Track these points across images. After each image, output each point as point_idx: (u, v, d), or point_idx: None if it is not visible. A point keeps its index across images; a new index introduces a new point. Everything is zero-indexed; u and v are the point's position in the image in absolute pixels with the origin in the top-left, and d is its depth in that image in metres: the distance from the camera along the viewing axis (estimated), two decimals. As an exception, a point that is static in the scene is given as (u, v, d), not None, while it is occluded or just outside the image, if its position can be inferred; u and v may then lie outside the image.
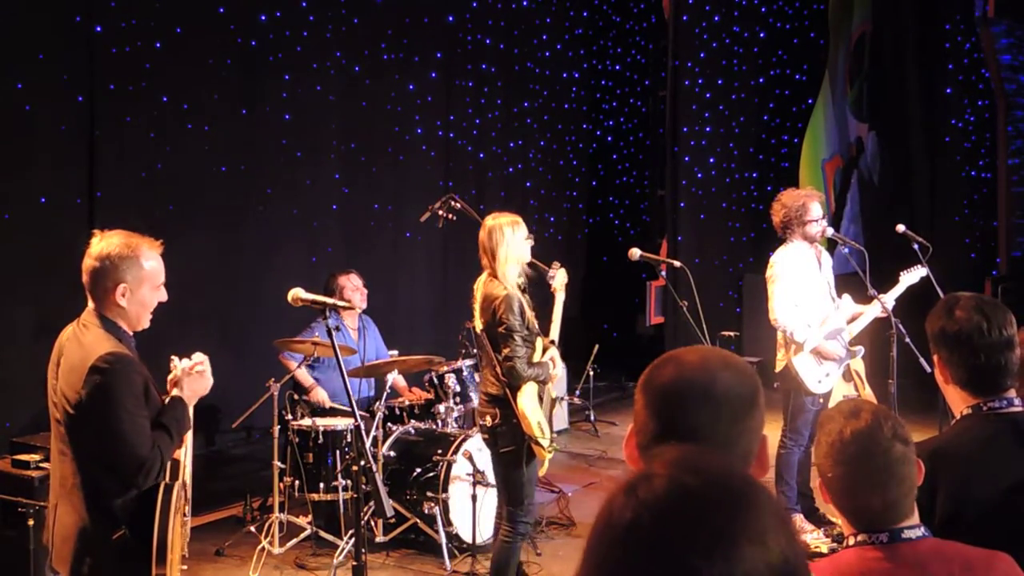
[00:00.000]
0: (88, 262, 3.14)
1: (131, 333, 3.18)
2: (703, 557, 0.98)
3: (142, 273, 3.13)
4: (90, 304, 3.17)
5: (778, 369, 5.86)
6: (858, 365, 5.95)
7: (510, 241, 4.62)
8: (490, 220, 4.72)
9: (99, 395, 2.99)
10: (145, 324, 3.21)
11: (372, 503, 4.60)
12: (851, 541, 2.05)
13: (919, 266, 5.88)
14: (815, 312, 5.77)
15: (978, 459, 2.45)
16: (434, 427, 5.97)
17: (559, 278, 5.04)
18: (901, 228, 5.95)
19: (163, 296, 3.22)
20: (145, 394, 3.07)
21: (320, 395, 6.16)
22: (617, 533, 1.02)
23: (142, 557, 3.05)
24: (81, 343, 3.09)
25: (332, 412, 6.08)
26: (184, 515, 3.31)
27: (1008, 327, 2.51)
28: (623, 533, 1.02)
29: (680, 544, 0.99)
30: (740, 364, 1.58)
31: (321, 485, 5.64)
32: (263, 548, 5.43)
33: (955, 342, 2.51)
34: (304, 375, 6.20)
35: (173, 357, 3.36)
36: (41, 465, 4.70)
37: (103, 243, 3.13)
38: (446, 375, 6.03)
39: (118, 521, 3.05)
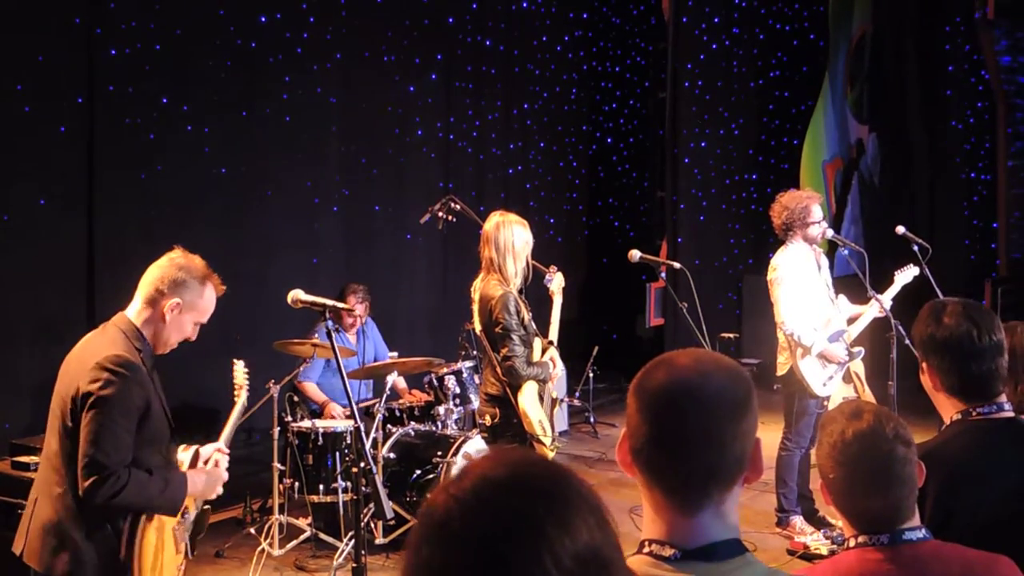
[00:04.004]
0: (164, 265, 3.14)
1: (153, 349, 3.16)
2: (506, 541, 1.03)
3: (199, 301, 3.18)
4: (129, 309, 3.15)
5: (781, 372, 5.84)
6: (858, 367, 5.94)
7: (518, 237, 4.65)
8: (498, 216, 4.73)
9: (92, 389, 2.94)
10: (167, 350, 3.21)
11: (372, 505, 4.59)
12: (852, 543, 2.05)
13: (912, 265, 5.91)
14: (817, 314, 5.77)
15: (967, 464, 2.44)
16: (434, 429, 5.96)
17: (556, 282, 5.08)
18: (901, 230, 5.96)
19: (194, 335, 3.24)
20: (146, 411, 3.03)
21: (336, 410, 6.15)
22: (433, 530, 1.07)
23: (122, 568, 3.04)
24: (94, 340, 3.09)
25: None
26: (186, 555, 3.30)
27: (997, 332, 2.50)
28: (437, 529, 1.07)
29: (487, 534, 1.05)
30: (733, 367, 1.55)
31: (321, 487, 5.64)
32: (263, 550, 5.42)
33: (945, 349, 2.50)
34: (316, 391, 6.22)
35: (236, 362, 3.31)
36: (41, 466, 4.70)
37: (185, 259, 3.17)
38: (446, 377, 6.04)
39: (95, 523, 3.02)
